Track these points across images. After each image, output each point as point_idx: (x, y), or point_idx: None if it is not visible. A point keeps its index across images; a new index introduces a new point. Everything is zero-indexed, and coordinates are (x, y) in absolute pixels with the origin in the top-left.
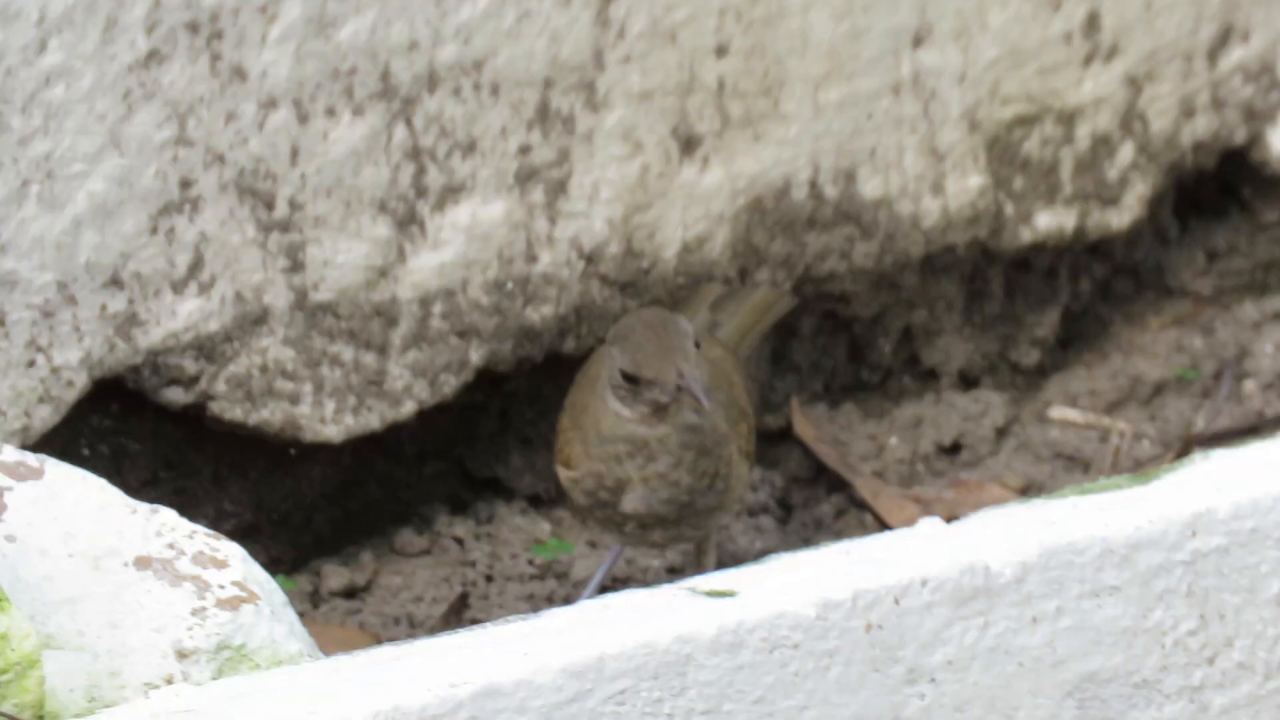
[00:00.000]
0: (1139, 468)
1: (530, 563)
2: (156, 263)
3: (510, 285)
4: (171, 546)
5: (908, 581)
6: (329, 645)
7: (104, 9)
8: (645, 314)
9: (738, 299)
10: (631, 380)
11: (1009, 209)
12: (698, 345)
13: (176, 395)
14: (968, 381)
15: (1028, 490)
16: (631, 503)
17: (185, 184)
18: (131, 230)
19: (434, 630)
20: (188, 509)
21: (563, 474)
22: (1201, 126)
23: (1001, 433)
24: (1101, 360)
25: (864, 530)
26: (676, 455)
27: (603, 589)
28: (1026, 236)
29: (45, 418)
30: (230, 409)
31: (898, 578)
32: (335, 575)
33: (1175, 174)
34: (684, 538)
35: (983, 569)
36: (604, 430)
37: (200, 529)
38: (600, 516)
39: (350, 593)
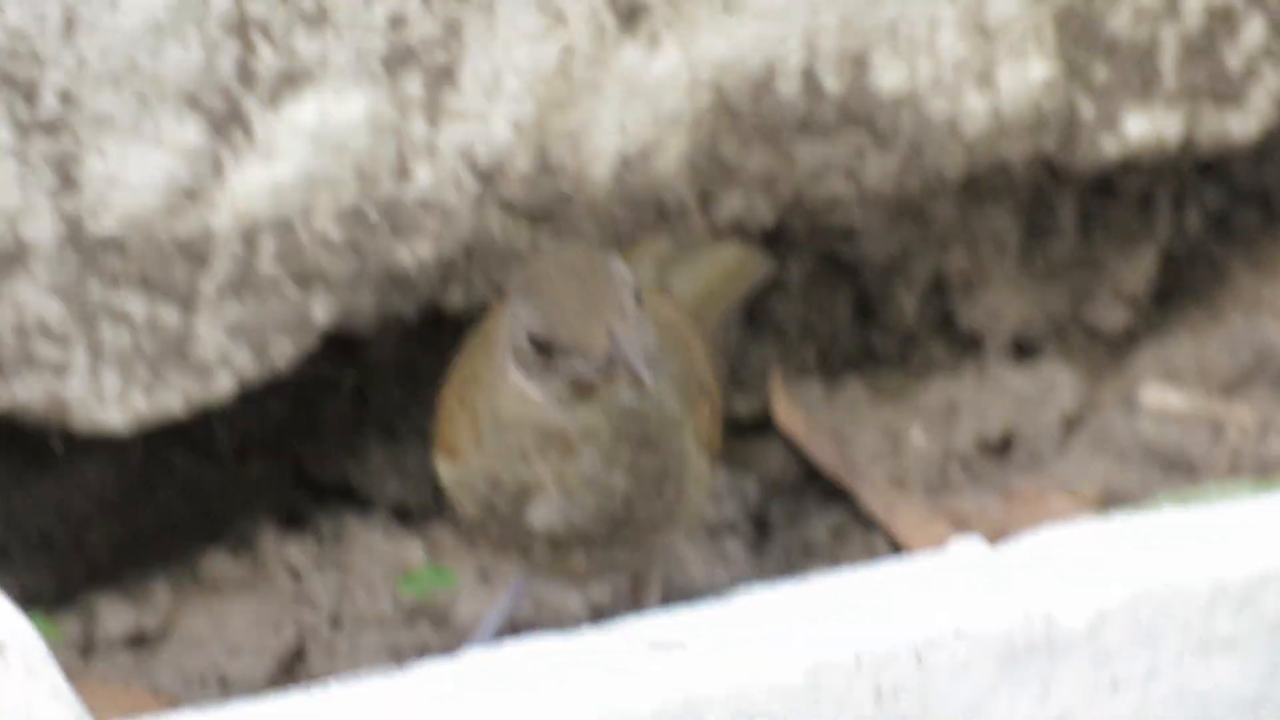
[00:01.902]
0: (1266, 473)
1: (395, 601)
2: None
3: (373, 214)
4: None
5: (935, 632)
6: (107, 713)
7: None
8: (564, 255)
9: (696, 259)
10: (544, 346)
11: (1087, 110)
12: (638, 299)
13: None
14: (1024, 351)
15: (1108, 502)
16: (543, 516)
17: None
18: None
19: (256, 694)
20: None
21: (445, 472)
22: None
23: (1072, 422)
24: (1215, 322)
25: (872, 557)
26: (607, 450)
27: (499, 637)
28: (1112, 149)
29: None
30: None
31: (921, 627)
32: (117, 615)
33: None
34: (616, 565)
35: (1042, 615)
36: (504, 415)
37: None
38: (497, 534)
39: (138, 640)
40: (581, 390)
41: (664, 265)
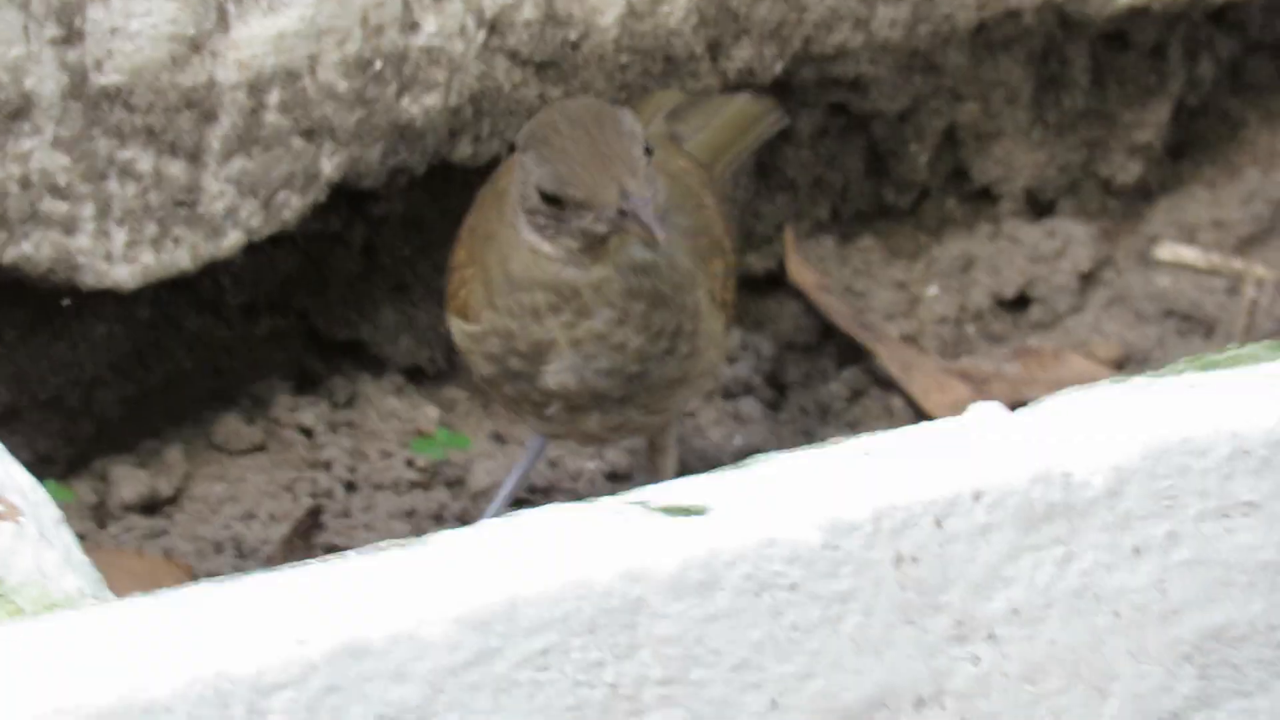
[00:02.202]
0: None
1: (410, 464)
2: None
3: (379, 64)
4: None
5: (954, 495)
6: (121, 580)
7: None
8: (573, 108)
9: (706, 110)
10: (554, 202)
11: None
12: (649, 152)
13: None
14: (1039, 207)
15: (1125, 363)
16: (556, 375)
17: None
18: None
19: (271, 561)
20: None
21: (458, 332)
22: None
23: (1088, 280)
24: (1231, 177)
25: (890, 419)
26: (620, 307)
27: (516, 503)
28: None
29: None
30: None
31: (940, 490)
32: (130, 481)
33: None
34: (632, 427)
35: (1062, 477)
36: (516, 272)
37: None
38: (512, 395)
39: (151, 506)
40: (593, 246)
41: (674, 116)
